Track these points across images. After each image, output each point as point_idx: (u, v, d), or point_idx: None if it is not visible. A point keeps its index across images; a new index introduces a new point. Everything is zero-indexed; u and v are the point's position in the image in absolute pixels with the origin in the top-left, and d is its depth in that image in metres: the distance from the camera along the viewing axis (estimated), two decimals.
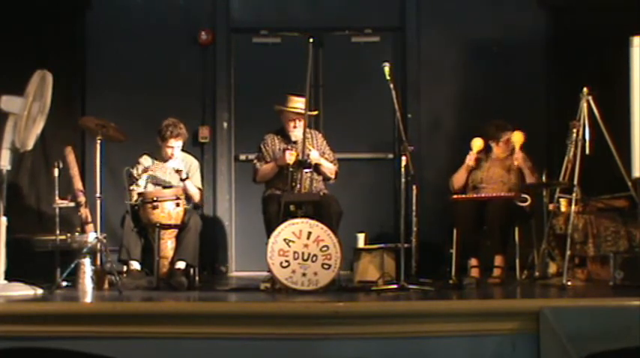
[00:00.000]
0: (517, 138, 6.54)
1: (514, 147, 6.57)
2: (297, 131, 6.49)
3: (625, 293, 5.32)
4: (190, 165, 6.71)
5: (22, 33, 7.32)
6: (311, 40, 6.30)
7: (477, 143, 6.67)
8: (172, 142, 6.52)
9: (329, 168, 6.56)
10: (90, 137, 6.91)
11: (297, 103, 6.46)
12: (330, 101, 7.83)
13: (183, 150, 6.76)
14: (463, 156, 6.75)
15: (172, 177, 6.58)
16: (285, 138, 6.57)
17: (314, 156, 6.40)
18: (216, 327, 4.84)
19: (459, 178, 6.73)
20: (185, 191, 6.46)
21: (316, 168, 6.46)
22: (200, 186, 6.75)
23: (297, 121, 6.47)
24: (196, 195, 6.64)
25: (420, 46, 7.79)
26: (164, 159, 6.61)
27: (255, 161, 6.63)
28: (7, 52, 7.12)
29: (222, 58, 7.82)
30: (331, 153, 6.66)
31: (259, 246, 6.18)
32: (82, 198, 6.28)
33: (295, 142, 6.50)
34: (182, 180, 6.47)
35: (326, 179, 6.59)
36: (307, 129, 6.36)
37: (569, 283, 5.81)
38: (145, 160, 6.62)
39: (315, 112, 6.56)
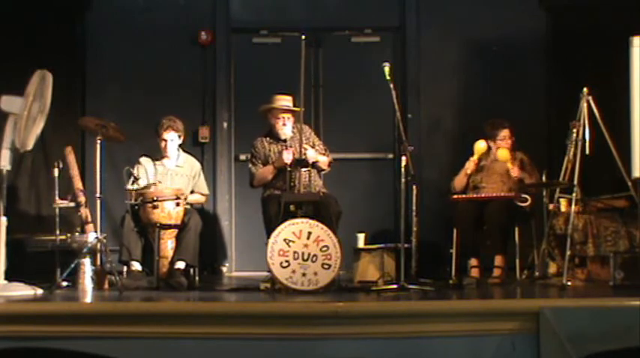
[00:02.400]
0: (502, 155, 6.54)
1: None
2: (285, 129, 6.51)
3: (625, 293, 5.31)
4: (193, 167, 6.72)
5: (22, 33, 7.31)
6: (303, 37, 6.30)
7: (480, 146, 6.65)
8: (165, 135, 6.54)
9: (323, 161, 6.57)
10: (90, 137, 6.92)
11: (283, 102, 6.48)
12: (330, 101, 7.84)
13: (185, 151, 6.77)
14: (463, 156, 6.75)
15: (175, 180, 6.59)
16: (274, 138, 6.57)
17: (311, 155, 6.41)
18: (217, 327, 4.83)
19: (458, 183, 6.74)
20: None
21: (312, 164, 6.47)
22: (206, 191, 6.77)
23: (286, 119, 6.48)
24: (201, 201, 6.77)
25: (419, 46, 7.79)
26: (162, 156, 6.61)
27: (250, 166, 6.63)
28: (7, 52, 7.11)
29: (222, 58, 7.82)
30: (321, 145, 6.66)
31: (259, 246, 6.18)
32: (82, 198, 6.27)
33: (285, 140, 6.51)
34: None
35: (320, 170, 6.59)
36: (295, 124, 6.38)
37: (569, 283, 5.80)
38: (146, 162, 6.62)
39: (299, 109, 6.57)
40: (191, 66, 7.79)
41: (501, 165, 6.69)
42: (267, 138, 6.60)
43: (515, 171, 6.53)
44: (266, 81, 7.67)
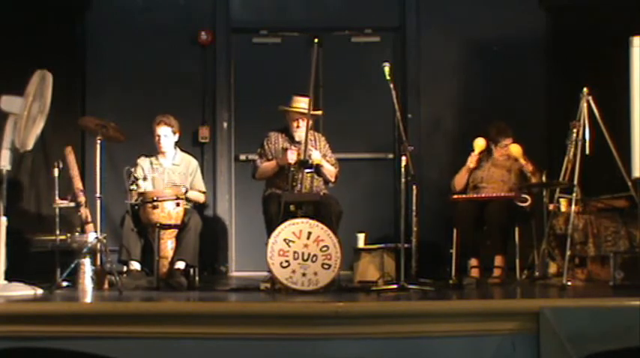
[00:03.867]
0: (515, 151, 6.55)
1: (516, 159, 6.59)
2: (300, 131, 6.48)
3: (625, 293, 5.32)
4: (189, 165, 6.73)
5: (22, 33, 7.31)
6: (316, 40, 6.29)
7: (480, 143, 6.67)
8: (158, 130, 6.58)
9: (330, 170, 6.56)
10: (90, 137, 6.92)
11: (301, 103, 6.46)
12: (330, 101, 7.79)
13: (183, 150, 6.77)
14: (463, 156, 6.75)
15: (171, 179, 6.59)
16: (289, 137, 6.57)
17: (315, 157, 6.39)
18: (216, 327, 4.83)
19: (460, 179, 6.74)
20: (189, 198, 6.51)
21: (317, 170, 6.45)
22: (203, 188, 6.77)
23: (301, 121, 6.47)
24: (200, 199, 6.74)
25: (419, 46, 7.79)
26: (158, 152, 6.63)
27: (256, 157, 6.63)
28: (7, 52, 7.11)
29: (222, 58, 7.82)
30: (333, 156, 6.66)
31: (259, 246, 6.18)
32: (82, 198, 6.27)
33: (299, 142, 6.49)
34: (185, 194, 6.41)
35: (326, 181, 6.59)
36: (310, 131, 6.36)
37: (569, 283, 5.80)
38: (143, 161, 6.64)
39: (319, 112, 6.58)
40: (191, 66, 7.79)
41: (502, 165, 6.70)
42: (283, 135, 6.60)
43: (529, 167, 6.52)
44: (266, 81, 7.69)
